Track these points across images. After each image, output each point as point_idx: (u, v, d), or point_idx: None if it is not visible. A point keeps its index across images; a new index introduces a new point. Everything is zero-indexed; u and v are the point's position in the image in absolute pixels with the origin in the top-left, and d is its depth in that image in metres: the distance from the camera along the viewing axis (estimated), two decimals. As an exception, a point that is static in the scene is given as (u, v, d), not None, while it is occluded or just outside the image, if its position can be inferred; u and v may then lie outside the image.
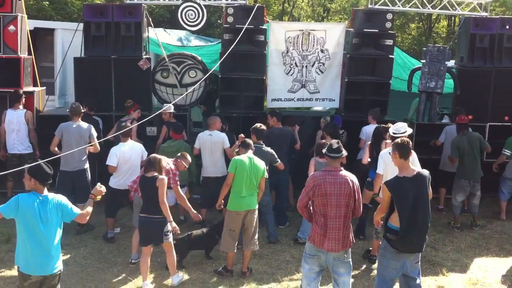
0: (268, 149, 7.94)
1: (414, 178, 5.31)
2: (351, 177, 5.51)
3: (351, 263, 5.64)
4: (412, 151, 5.91)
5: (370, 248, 7.62)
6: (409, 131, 6.90)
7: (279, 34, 10.32)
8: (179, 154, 7.69)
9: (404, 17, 23.51)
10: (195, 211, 7.13)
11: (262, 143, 7.93)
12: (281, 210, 8.95)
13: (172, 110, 9.31)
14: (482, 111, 10.08)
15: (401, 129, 6.85)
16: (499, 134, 9.77)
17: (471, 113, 9.79)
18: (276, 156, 8.01)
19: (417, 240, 5.37)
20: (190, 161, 7.75)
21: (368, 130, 9.12)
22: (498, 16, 11.40)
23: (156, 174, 6.58)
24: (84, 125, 8.32)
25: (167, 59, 10.13)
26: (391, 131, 6.92)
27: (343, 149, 5.60)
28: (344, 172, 5.53)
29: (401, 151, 5.38)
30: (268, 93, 10.52)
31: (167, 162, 7.16)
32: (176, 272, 6.86)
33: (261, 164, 7.10)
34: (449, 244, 8.29)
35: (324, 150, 5.63)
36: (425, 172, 5.47)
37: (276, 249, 7.96)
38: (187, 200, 7.17)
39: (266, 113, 9.58)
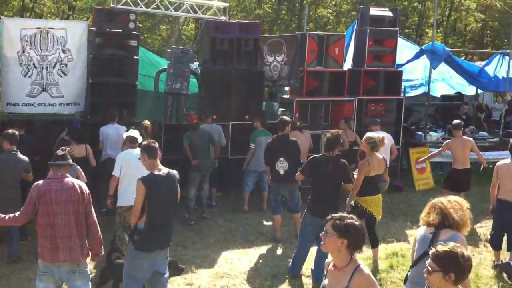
0: (24, 157, 7.29)
1: (166, 176, 5.43)
2: (79, 183, 5.33)
3: (88, 273, 5.44)
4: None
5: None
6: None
7: (13, 31, 9.39)
8: None
9: (153, 18, 23.76)
10: None
11: (16, 149, 7.25)
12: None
13: None
14: (226, 110, 10.57)
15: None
16: (242, 132, 10.36)
17: (216, 113, 10.27)
18: (30, 166, 7.38)
19: (165, 236, 5.48)
20: None
21: (105, 131, 9.11)
22: (236, 21, 12.13)
23: None
24: None
25: None
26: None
27: (69, 157, 5.46)
28: (71, 179, 5.31)
29: (149, 152, 5.45)
30: (2, 96, 9.54)
31: None
32: None
33: None
34: (199, 241, 8.53)
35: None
36: (174, 171, 5.63)
37: (17, 267, 7.29)
38: None
39: None
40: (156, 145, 5.57)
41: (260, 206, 10.13)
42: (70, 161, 5.42)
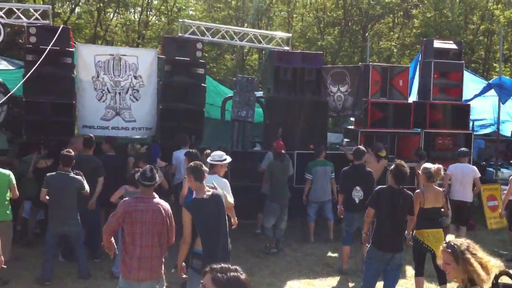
0: (76, 176, 7.46)
1: (211, 198, 5.43)
2: (164, 205, 5.42)
3: None
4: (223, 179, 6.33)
5: None
6: (229, 159, 6.93)
7: (87, 57, 9.87)
8: None
9: (218, 48, 24.30)
10: None
11: (70, 170, 7.43)
12: (95, 243, 8.44)
13: None
14: (290, 139, 10.52)
15: (217, 156, 6.85)
16: (306, 161, 10.26)
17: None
18: (84, 183, 7.53)
19: (221, 260, 5.44)
20: None
21: (177, 155, 9.23)
22: (299, 51, 12.23)
23: None
24: None
25: (-40, 80, 9.06)
26: (209, 158, 6.89)
27: (157, 176, 5.47)
28: (157, 200, 5.41)
29: (196, 174, 5.47)
30: (78, 119, 9.96)
31: None
32: None
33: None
34: (265, 268, 8.49)
35: (137, 176, 5.43)
36: (220, 191, 5.64)
37: (90, 284, 7.51)
38: None
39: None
40: (204, 167, 5.59)
41: (326, 236, 10.02)
42: (158, 181, 5.47)
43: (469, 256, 3.59)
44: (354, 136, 11.29)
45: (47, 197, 7.35)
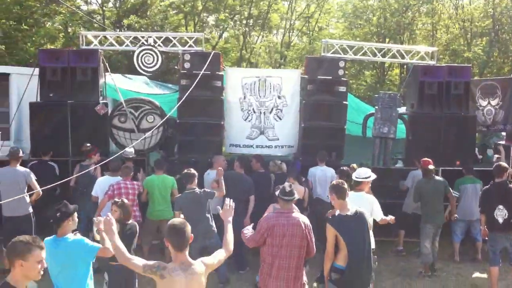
0: (202, 191, 7.74)
1: (355, 216, 5.55)
2: (303, 219, 5.63)
3: None
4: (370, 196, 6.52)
5: None
6: (373, 176, 6.90)
7: (235, 80, 10.49)
8: None
9: (358, 64, 24.25)
10: None
11: (194, 187, 7.73)
12: (240, 255, 8.85)
13: (132, 155, 9.35)
14: (435, 156, 10.08)
15: (362, 174, 6.89)
16: (452, 178, 9.91)
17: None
18: (212, 192, 7.84)
19: (366, 276, 5.59)
20: None
21: (314, 171, 9.43)
22: (445, 65, 11.87)
23: None
24: (21, 169, 8.15)
25: (124, 104, 10.12)
26: (354, 175, 6.95)
27: (296, 192, 5.70)
28: (296, 214, 5.63)
29: (338, 192, 5.63)
30: (226, 138, 10.60)
31: None
32: None
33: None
34: (408, 287, 8.33)
35: (277, 193, 5.71)
36: (363, 210, 5.73)
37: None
38: None
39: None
40: (345, 185, 5.70)
41: (473, 256, 9.57)
42: (296, 197, 5.72)
43: None
44: (506, 151, 10.67)
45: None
